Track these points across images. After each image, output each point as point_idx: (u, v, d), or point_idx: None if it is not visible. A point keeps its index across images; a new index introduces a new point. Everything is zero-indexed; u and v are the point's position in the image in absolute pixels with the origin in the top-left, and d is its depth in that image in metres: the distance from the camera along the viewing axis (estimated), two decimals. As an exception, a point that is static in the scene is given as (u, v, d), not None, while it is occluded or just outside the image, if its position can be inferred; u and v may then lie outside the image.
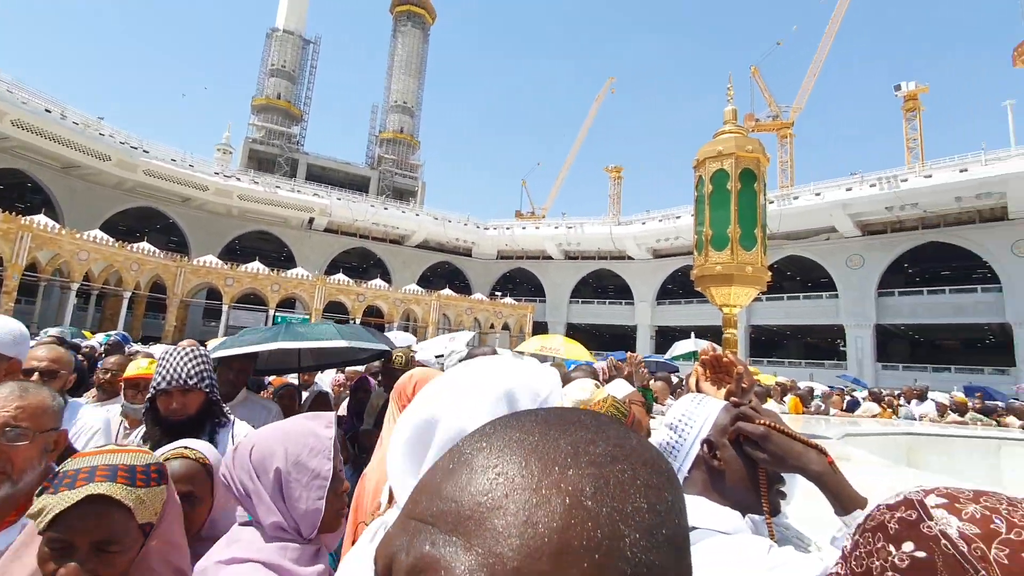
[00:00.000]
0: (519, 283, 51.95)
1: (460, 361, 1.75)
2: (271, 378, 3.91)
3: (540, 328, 39.96)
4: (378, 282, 34.75)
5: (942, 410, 7.90)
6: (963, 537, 0.45)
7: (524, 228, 48.39)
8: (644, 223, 42.19)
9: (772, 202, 33.93)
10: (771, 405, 7.94)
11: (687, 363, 9.60)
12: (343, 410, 3.82)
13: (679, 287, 40.30)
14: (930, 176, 29.63)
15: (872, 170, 32.68)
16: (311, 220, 41.82)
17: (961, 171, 28.64)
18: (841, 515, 0.92)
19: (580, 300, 47.57)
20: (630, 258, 44.48)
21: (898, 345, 37.53)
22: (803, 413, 8.24)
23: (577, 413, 0.35)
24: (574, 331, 46.74)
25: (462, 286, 46.83)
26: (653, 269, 43.34)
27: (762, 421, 1.02)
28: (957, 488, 0.51)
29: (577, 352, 9.45)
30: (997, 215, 29.66)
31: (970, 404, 8.16)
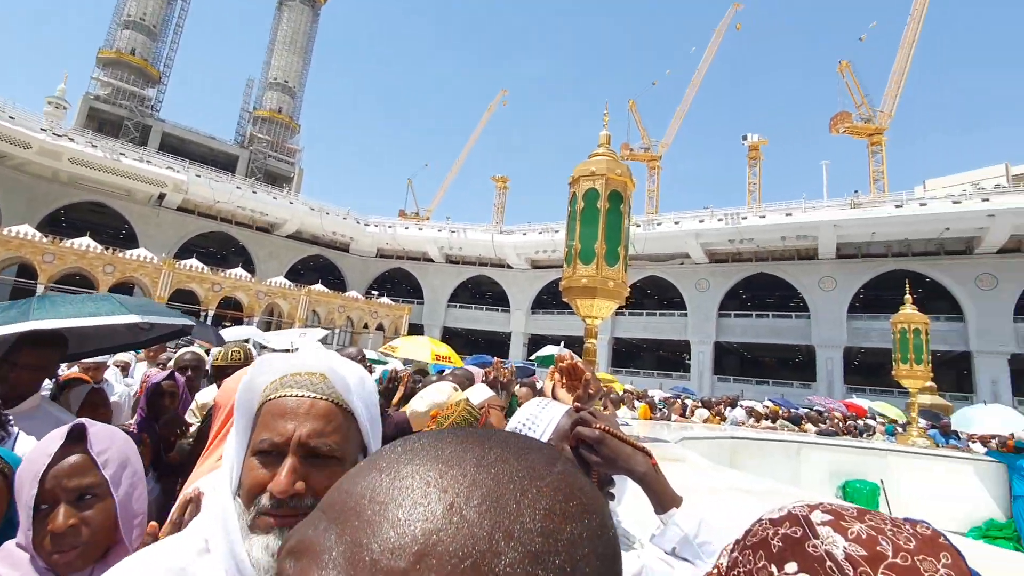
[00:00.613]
0: (398, 283, 50.73)
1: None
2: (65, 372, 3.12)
3: (416, 330, 39.34)
4: (239, 271, 31.62)
5: (750, 414, 9.14)
6: (849, 559, 0.42)
7: (407, 228, 47.41)
8: (525, 234, 43.63)
9: (638, 226, 37.10)
10: (623, 411, 8.62)
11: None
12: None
13: (553, 298, 42.28)
14: (764, 217, 34.50)
15: (721, 206, 37.27)
16: (162, 196, 36.89)
17: (787, 215, 33.76)
18: (659, 513, 0.98)
19: (458, 304, 47.73)
20: (509, 266, 45.69)
21: (731, 360, 42.99)
22: (651, 419, 9.06)
23: (513, 436, 0.33)
24: (451, 335, 46.67)
25: (336, 282, 44.49)
26: (530, 279, 44.95)
27: (598, 425, 1.05)
28: (841, 504, 0.49)
29: (422, 354, 8.97)
30: (810, 254, 35.39)
31: (780, 412, 9.55)
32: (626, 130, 54.12)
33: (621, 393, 8.96)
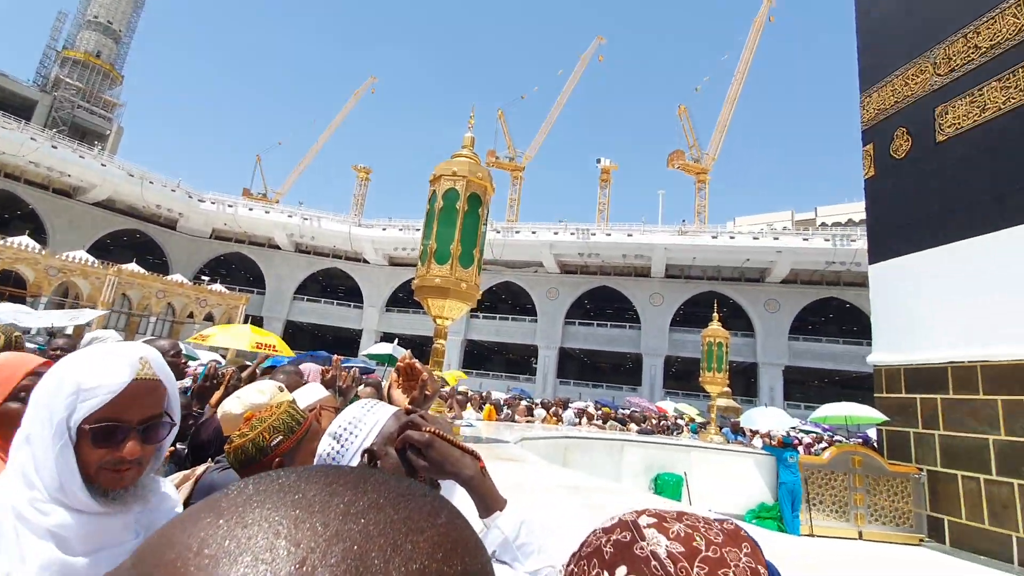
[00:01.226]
0: (235, 270, 45.66)
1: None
2: None
3: (254, 323, 35.71)
4: (25, 240, 25.72)
5: (580, 415, 9.92)
6: (670, 557, 0.46)
7: (251, 209, 42.79)
8: (385, 229, 42.24)
9: (498, 232, 38.22)
10: (469, 412, 8.75)
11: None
12: None
13: (409, 296, 41.48)
14: (609, 235, 37.90)
15: (574, 220, 40.06)
16: (-92, 133, 28.66)
17: (628, 235, 37.49)
18: (483, 517, 0.97)
19: (306, 297, 44.45)
20: (366, 261, 43.86)
21: (573, 365, 46.28)
22: (495, 420, 9.32)
23: (395, 480, 0.28)
24: (295, 329, 43.27)
25: (158, 263, 38.58)
26: (387, 275, 43.63)
27: (428, 429, 1.01)
28: (664, 509, 0.52)
29: (239, 342, 8.09)
30: (644, 272, 39.68)
31: (612, 414, 10.47)
32: (493, 137, 55.56)
33: (453, 387, 9.09)
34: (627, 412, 11.99)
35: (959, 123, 8.36)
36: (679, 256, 36.75)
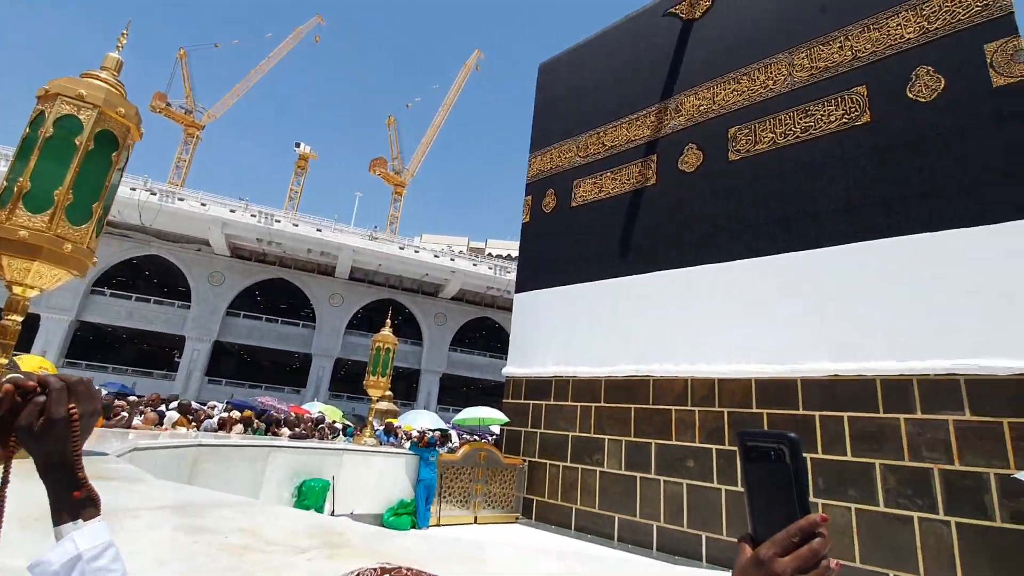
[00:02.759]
0: None
1: None
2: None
3: None
4: None
5: (224, 425, 8.83)
6: None
7: None
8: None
9: (154, 194, 31.14)
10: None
11: None
12: None
13: None
14: (297, 225, 35.42)
15: (259, 203, 35.86)
16: None
17: (318, 230, 35.81)
18: (62, 520, 0.74)
19: None
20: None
21: (229, 362, 40.87)
22: (102, 425, 7.30)
23: None
24: None
25: None
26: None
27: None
28: (387, 564, 0.56)
29: None
30: (328, 271, 38.49)
31: (252, 415, 9.54)
32: (169, 80, 45.50)
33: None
34: (280, 414, 11.15)
35: (586, 196, 11.04)
36: (366, 260, 37.11)
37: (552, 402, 10.03)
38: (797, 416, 7.05)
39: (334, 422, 11.35)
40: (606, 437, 9.00)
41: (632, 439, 8.66)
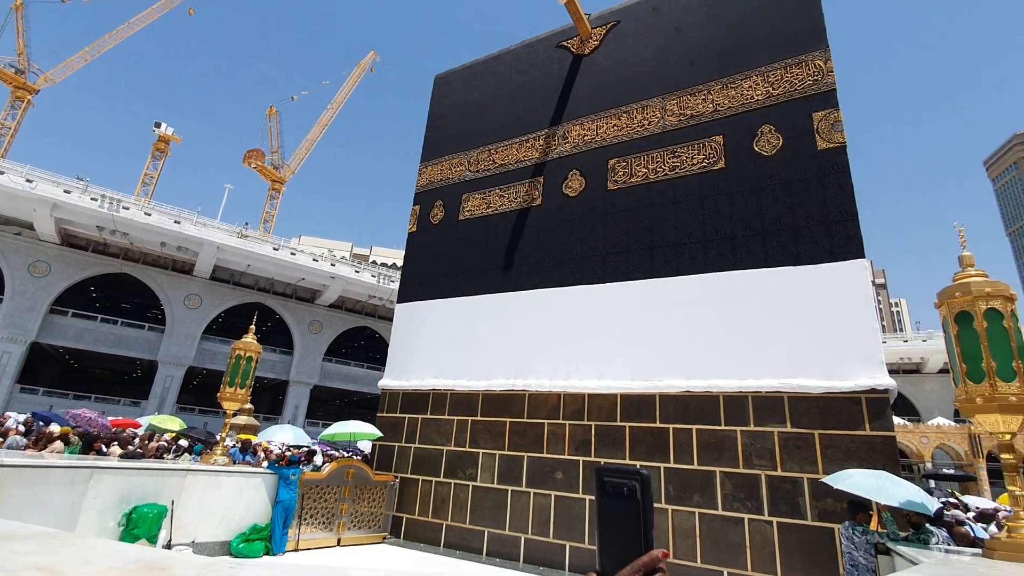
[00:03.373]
0: None
1: None
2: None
3: None
4: None
5: (41, 439, 7.50)
6: None
7: None
8: None
9: (-43, 161, 25.82)
10: None
11: None
12: None
13: None
14: (150, 215, 31.36)
15: (102, 185, 31.14)
16: None
17: (176, 222, 32.00)
18: None
19: None
20: None
21: (50, 367, 34.76)
22: None
23: None
24: None
25: None
26: None
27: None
28: None
29: None
30: (186, 268, 34.51)
31: (71, 431, 8.19)
32: (-13, 27, 38.52)
33: None
34: (79, 428, 9.60)
35: (474, 210, 11.16)
36: (232, 259, 33.89)
37: (428, 416, 9.87)
38: (655, 428, 7.67)
39: (177, 438, 10.04)
40: (481, 451, 9.04)
41: (506, 452, 8.79)
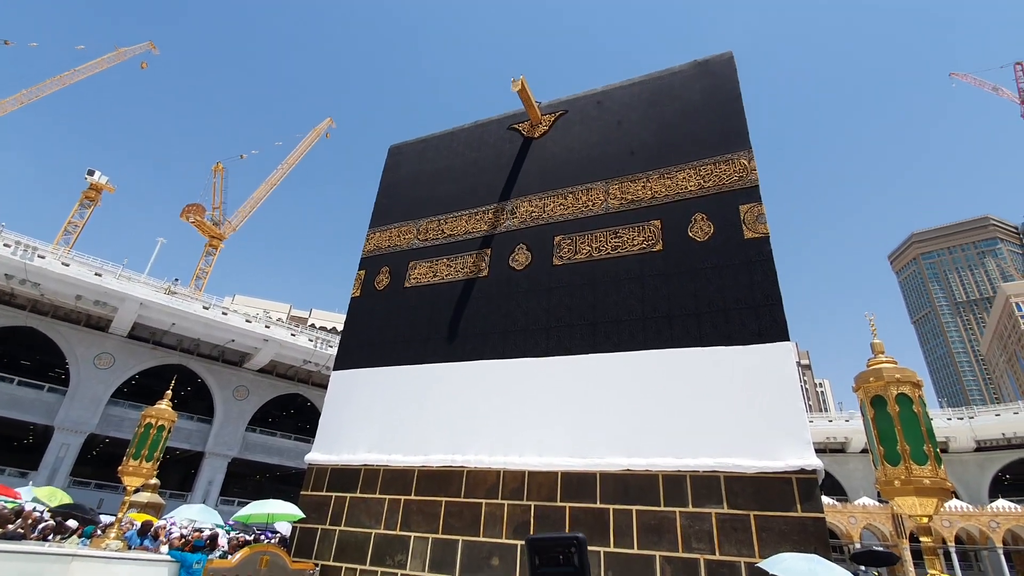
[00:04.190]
0: None
1: None
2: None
3: None
4: None
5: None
6: None
7: None
8: None
9: None
10: None
11: None
12: None
13: None
14: (68, 264, 29.24)
15: (15, 230, 28.96)
16: None
17: (97, 274, 29.94)
18: None
19: None
20: None
21: (-83, 433, 30.35)
22: None
23: None
24: None
25: None
26: None
27: None
28: None
29: None
30: (102, 325, 31.93)
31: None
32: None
33: None
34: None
35: (420, 278, 11.14)
36: (156, 317, 31.77)
37: (358, 495, 9.21)
38: (595, 509, 7.48)
39: (63, 519, 8.75)
40: (412, 534, 8.46)
41: (440, 536, 8.26)
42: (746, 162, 8.97)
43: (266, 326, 35.50)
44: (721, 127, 9.54)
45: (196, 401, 35.63)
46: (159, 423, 8.03)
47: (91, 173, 44.19)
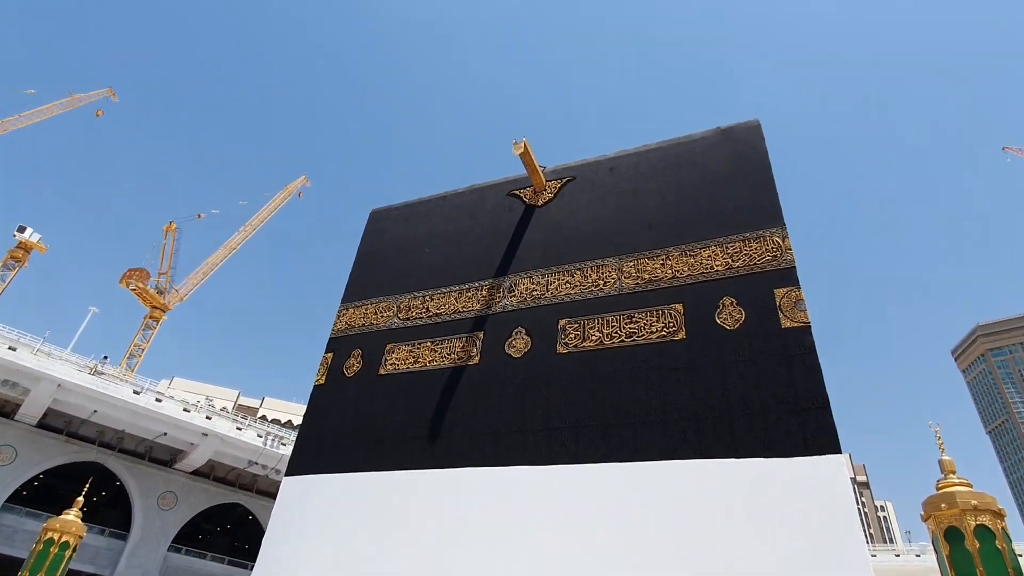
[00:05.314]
0: None
1: None
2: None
3: None
4: None
5: None
6: None
7: None
8: None
9: None
10: None
11: None
12: None
13: None
14: (-23, 336, 28.99)
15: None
16: None
17: (11, 348, 29.64)
18: None
19: None
20: None
21: None
22: None
23: None
24: None
25: None
26: None
27: None
28: None
29: None
30: (6, 410, 31.15)
31: None
32: None
33: None
34: None
35: (398, 364, 11.08)
36: (75, 402, 31.06)
37: (305, 638, 8.60)
38: (606, 667, 6.97)
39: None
40: None
41: None
42: (780, 240, 9.25)
43: (207, 417, 34.68)
44: (750, 200, 9.92)
45: (111, 510, 34.00)
46: (62, 538, 7.64)
47: (21, 230, 45.07)
